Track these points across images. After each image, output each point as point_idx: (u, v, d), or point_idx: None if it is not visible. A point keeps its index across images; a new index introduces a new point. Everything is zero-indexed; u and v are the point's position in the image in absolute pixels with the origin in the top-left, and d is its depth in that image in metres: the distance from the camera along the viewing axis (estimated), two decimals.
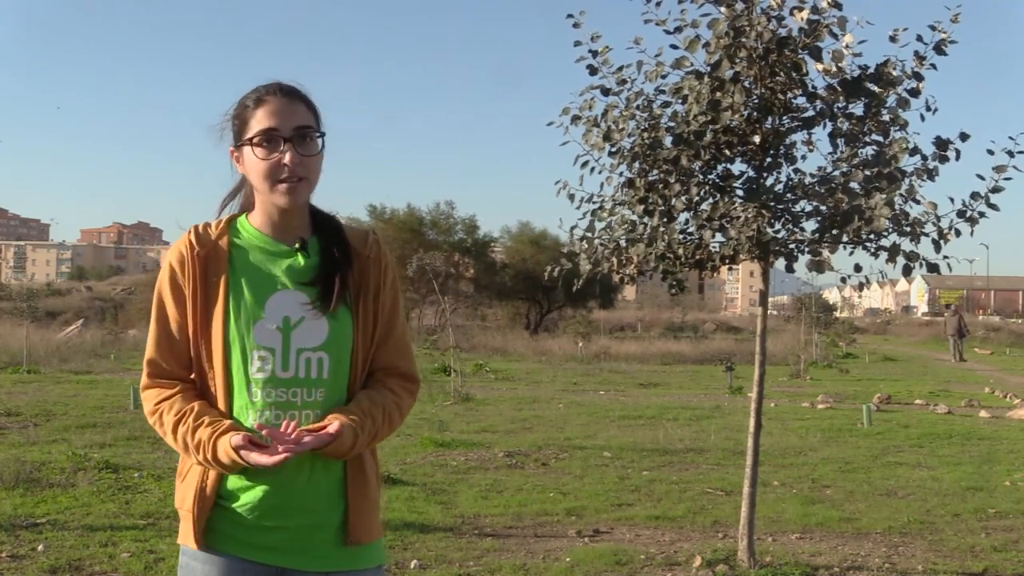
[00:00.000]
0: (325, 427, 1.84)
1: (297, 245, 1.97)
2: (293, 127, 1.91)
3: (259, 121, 1.92)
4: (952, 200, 4.70)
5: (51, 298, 46.71)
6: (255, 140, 1.91)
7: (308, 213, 2.02)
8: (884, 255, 4.78)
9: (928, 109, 4.73)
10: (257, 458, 1.78)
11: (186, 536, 1.94)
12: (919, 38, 4.65)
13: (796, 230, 4.98)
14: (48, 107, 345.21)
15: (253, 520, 1.89)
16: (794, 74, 4.71)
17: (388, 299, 2.03)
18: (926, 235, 4.68)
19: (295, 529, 1.90)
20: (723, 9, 4.68)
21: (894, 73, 4.64)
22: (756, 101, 4.81)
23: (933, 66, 4.66)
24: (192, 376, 1.96)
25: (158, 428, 1.94)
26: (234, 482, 1.90)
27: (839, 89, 4.67)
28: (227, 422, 1.87)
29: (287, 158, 1.89)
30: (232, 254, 1.95)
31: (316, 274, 1.95)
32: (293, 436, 1.79)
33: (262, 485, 1.89)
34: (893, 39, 4.67)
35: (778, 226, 4.98)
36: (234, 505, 1.90)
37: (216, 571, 1.91)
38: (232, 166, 2.02)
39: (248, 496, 1.89)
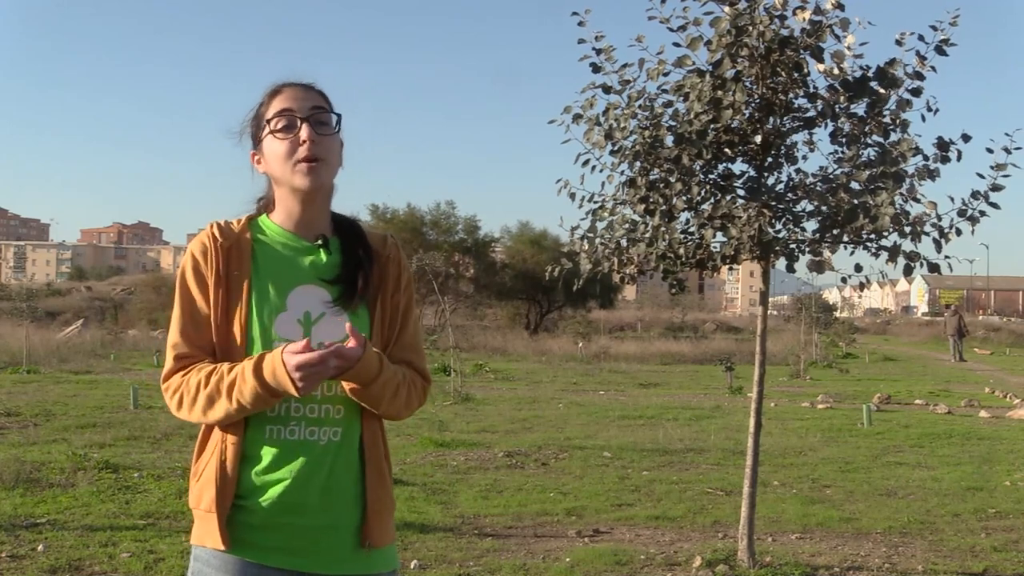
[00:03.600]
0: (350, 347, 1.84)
1: (319, 242, 1.99)
2: (309, 107, 1.95)
3: (275, 107, 1.96)
4: (952, 200, 4.71)
5: (51, 298, 46.71)
6: (272, 122, 1.95)
7: (329, 213, 2.05)
8: (885, 255, 4.79)
9: (929, 110, 4.73)
10: (290, 357, 1.77)
11: (205, 536, 1.90)
12: (920, 38, 4.65)
13: (797, 230, 4.98)
14: (48, 107, 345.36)
15: (269, 518, 1.87)
16: (795, 74, 4.72)
17: (403, 299, 2.06)
18: (927, 235, 4.69)
19: (310, 529, 1.89)
20: (726, 8, 4.68)
21: (898, 74, 4.64)
22: (757, 101, 4.81)
23: (933, 68, 4.67)
24: (216, 358, 1.94)
25: (186, 397, 1.89)
26: (257, 478, 1.88)
27: (840, 89, 4.67)
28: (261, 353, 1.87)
29: (304, 134, 1.92)
30: (255, 248, 1.98)
31: (340, 272, 1.97)
32: (329, 348, 1.80)
33: (283, 481, 1.87)
34: (899, 43, 4.67)
35: (779, 226, 4.98)
36: (252, 502, 1.88)
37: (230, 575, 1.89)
38: (253, 171, 2.04)
39: (269, 492, 1.87)
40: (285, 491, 1.87)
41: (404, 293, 2.06)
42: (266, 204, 2.06)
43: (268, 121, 1.96)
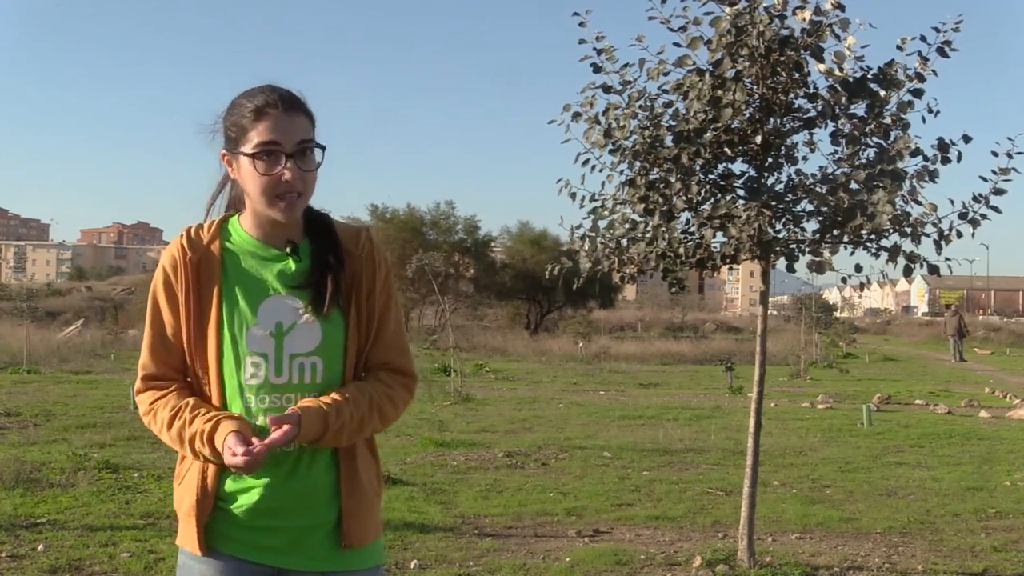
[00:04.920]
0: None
1: (288, 249, 1.95)
2: (295, 142, 1.88)
3: (260, 133, 1.87)
4: (952, 202, 4.71)
5: (51, 298, 46.67)
6: (256, 154, 1.87)
7: (300, 218, 2.00)
8: (885, 255, 4.79)
9: (930, 111, 4.73)
10: (229, 458, 1.80)
11: (185, 539, 1.94)
12: (923, 39, 4.65)
13: (797, 230, 4.98)
14: (48, 107, 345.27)
15: (248, 521, 1.90)
16: (795, 74, 4.71)
17: (381, 298, 2.00)
18: (927, 236, 4.69)
19: (291, 530, 1.90)
20: (726, 8, 4.68)
21: (899, 75, 4.64)
22: (758, 101, 4.81)
23: (934, 72, 4.66)
24: (187, 379, 1.96)
25: (152, 427, 1.94)
26: (231, 484, 1.91)
27: (840, 90, 4.67)
28: (223, 412, 1.88)
29: (288, 175, 1.86)
30: (224, 259, 1.94)
31: (308, 278, 1.93)
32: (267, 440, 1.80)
33: (258, 487, 1.89)
34: (901, 47, 4.67)
35: (779, 226, 4.98)
36: (231, 507, 1.91)
37: (214, 571, 1.92)
38: (220, 166, 1.99)
39: (245, 498, 1.90)
40: (261, 497, 1.89)
41: (382, 291, 2.01)
42: (240, 203, 2.02)
43: (253, 155, 1.87)
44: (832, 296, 53.27)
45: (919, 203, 4.66)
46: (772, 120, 4.89)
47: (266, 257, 1.95)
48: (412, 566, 5.09)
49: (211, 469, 1.90)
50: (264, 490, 1.89)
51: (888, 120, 4.71)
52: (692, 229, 5.01)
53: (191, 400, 1.91)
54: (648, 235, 5.02)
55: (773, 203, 4.92)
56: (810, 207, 4.92)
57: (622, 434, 10.39)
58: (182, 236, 1.96)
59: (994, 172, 4.66)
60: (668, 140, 4.86)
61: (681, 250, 4.96)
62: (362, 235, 2.02)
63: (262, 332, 1.90)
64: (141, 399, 1.97)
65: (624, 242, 5.15)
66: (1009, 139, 4.65)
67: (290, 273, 1.94)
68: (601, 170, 5.12)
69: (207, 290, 1.92)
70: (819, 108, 4.81)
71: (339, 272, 1.95)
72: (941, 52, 4.66)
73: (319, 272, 1.94)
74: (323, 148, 1.93)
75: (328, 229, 2.00)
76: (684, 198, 4.88)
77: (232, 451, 1.78)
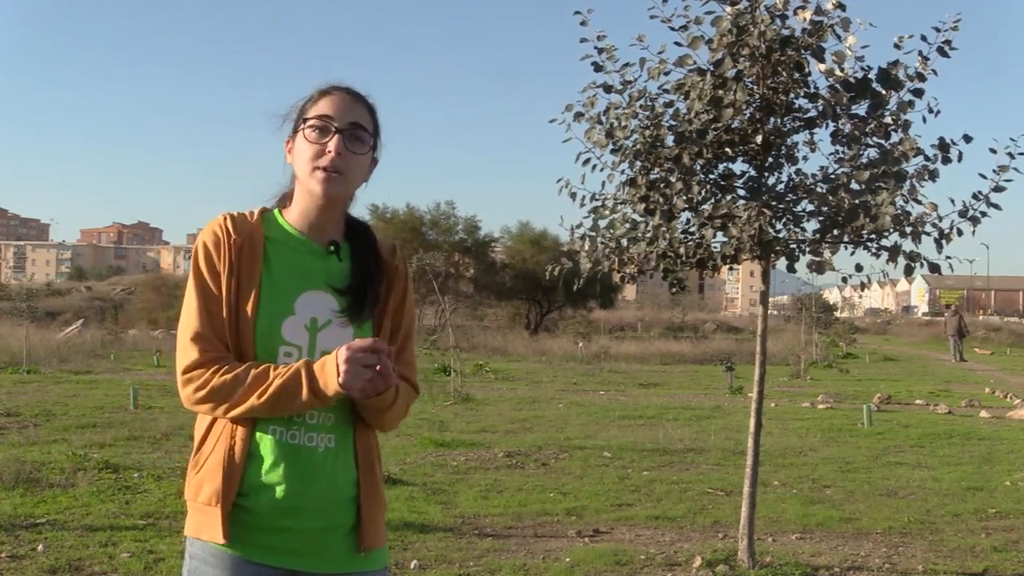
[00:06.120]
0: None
1: (331, 248, 1.99)
2: (349, 121, 1.95)
3: (318, 109, 1.97)
4: (953, 201, 4.71)
5: (51, 298, 46.69)
6: (309, 123, 1.95)
7: (343, 218, 2.04)
8: (885, 255, 4.79)
9: (930, 111, 4.73)
10: (356, 343, 1.80)
11: (202, 528, 1.88)
12: (923, 38, 4.65)
13: (797, 230, 4.98)
14: (48, 107, 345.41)
15: (268, 521, 1.87)
16: (796, 74, 4.71)
17: (407, 315, 2.07)
18: (927, 235, 4.69)
19: (310, 532, 1.89)
20: (727, 7, 4.68)
21: (901, 76, 4.64)
22: (758, 101, 4.81)
23: (934, 71, 4.66)
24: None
25: (216, 385, 1.84)
26: (255, 477, 1.87)
27: (841, 90, 4.67)
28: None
29: (332, 145, 1.92)
30: (267, 247, 1.96)
31: (350, 282, 1.97)
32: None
33: (283, 484, 1.87)
34: (898, 46, 4.67)
35: (779, 226, 4.98)
36: (251, 501, 1.87)
37: (227, 574, 1.88)
38: (284, 160, 2.04)
39: (269, 494, 1.87)
40: (286, 494, 1.87)
41: (408, 309, 2.07)
42: (284, 199, 2.05)
43: (306, 119, 1.96)
44: (832, 296, 53.31)
45: (919, 202, 4.66)
46: (773, 120, 4.89)
47: (308, 252, 1.98)
48: (412, 566, 5.09)
49: (238, 454, 1.86)
50: (289, 487, 1.86)
51: (888, 120, 4.71)
52: (693, 229, 5.01)
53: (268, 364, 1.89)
54: (649, 235, 5.02)
55: (774, 203, 4.92)
56: (811, 207, 4.92)
57: (622, 434, 10.39)
58: (225, 218, 1.96)
59: (994, 170, 4.66)
60: (669, 140, 4.86)
61: (682, 250, 4.97)
62: (396, 250, 2.09)
63: (298, 323, 1.92)
64: (195, 375, 1.86)
65: (624, 242, 5.15)
66: (1012, 139, 4.66)
67: (331, 272, 1.98)
68: (602, 170, 5.12)
69: (248, 274, 1.91)
70: (820, 108, 4.81)
71: (379, 280, 2.01)
72: (941, 52, 4.66)
73: (360, 277, 1.98)
74: (377, 136, 2.02)
75: (370, 237, 2.06)
76: (685, 198, 4.88)
77: (351, 351, 1.79)
